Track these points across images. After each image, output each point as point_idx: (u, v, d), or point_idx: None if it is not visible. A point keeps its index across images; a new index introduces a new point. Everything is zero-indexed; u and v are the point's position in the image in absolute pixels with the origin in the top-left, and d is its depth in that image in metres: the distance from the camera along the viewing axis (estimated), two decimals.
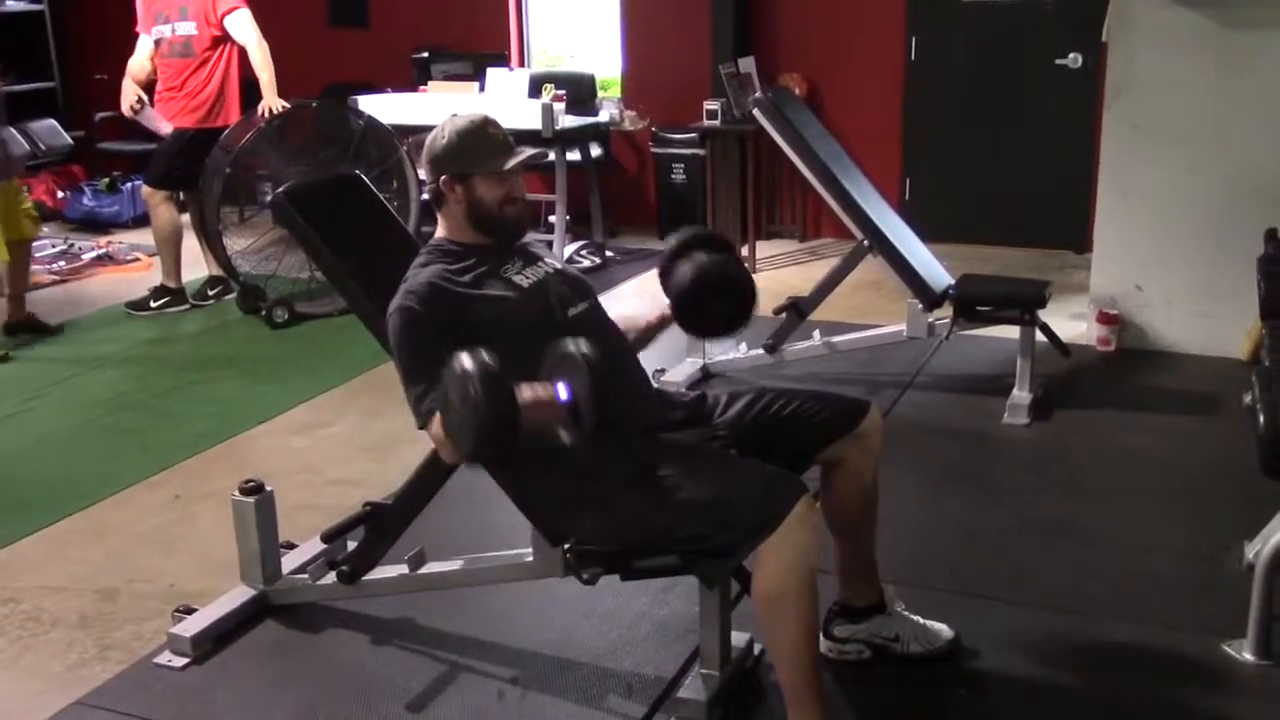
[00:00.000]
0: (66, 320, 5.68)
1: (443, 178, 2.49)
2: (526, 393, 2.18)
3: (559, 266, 2.63)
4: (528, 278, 2.51)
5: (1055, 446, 4.01)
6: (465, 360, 2.13)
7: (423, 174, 2.55)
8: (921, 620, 2.73)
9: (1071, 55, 6.37)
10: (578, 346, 2.20)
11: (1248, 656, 2.69)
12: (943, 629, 2.73)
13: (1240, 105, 4.59)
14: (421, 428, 2.36)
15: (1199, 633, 2.81)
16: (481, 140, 2.49)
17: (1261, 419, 2.63)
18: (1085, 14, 5.96)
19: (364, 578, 2.86)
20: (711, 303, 2.64)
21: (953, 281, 4.43)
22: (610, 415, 2.42)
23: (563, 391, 2.19)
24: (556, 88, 6.54)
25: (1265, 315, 3.39)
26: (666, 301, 2.69)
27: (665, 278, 2.69)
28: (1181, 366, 4.73)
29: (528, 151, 2.55)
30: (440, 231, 2.57)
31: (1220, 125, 4.64)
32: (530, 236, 2.66)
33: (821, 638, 2.65)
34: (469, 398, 2.11)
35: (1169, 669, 2.71)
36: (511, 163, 2.49)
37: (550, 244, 6.15)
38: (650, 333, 2.76)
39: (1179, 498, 3.61)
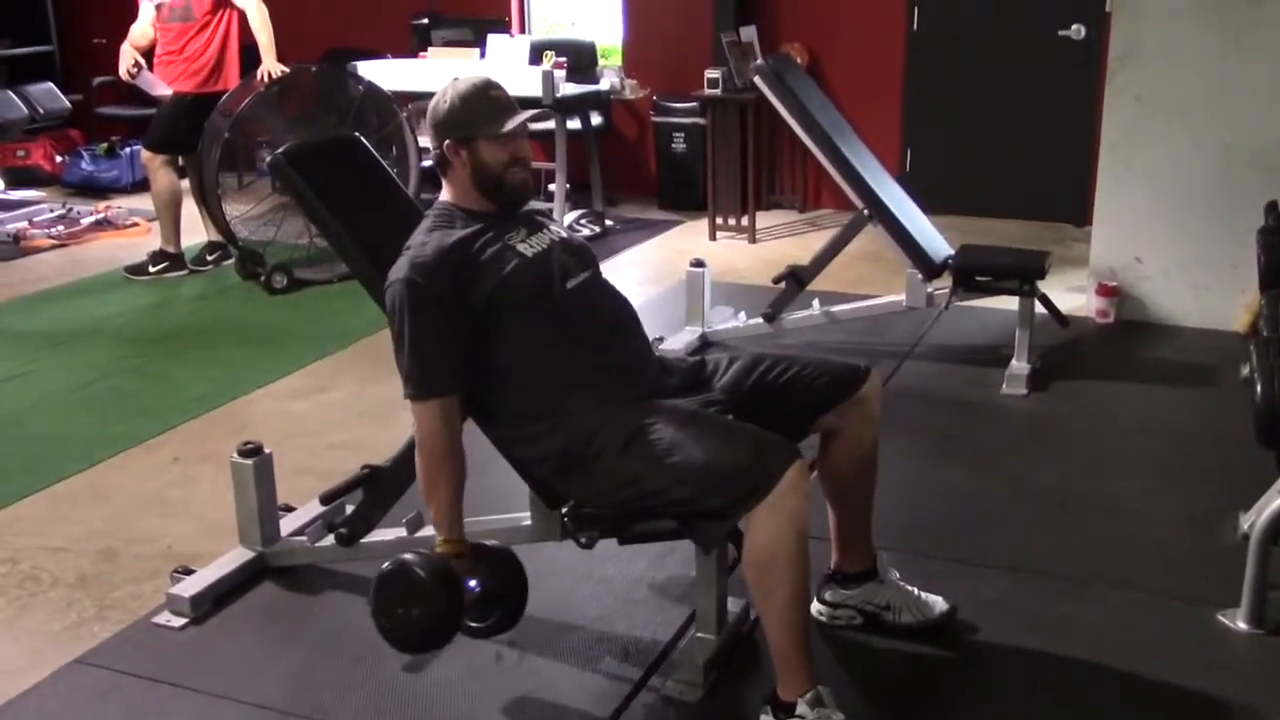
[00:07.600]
0: (64, 285, 5.66)
1: (447, 142, 2.48)
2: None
3: (563, 235, 2.61)
4: (532, 246, 2.49)
5: (1052, 417, 4.02)
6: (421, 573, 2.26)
7: (425, 140, 2.53)
8: (916, 591, 2.72)
9: (1075, 26, 6.33)
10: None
11: (1241, 625, 2.70)
12: (938, 601, 2.71)
13: (1242, 77, 4.57)
14: (408, 398, 2.37)
15: (1193, 602, 2.82)
16: (484, 103, 2.48)
17: (1258, 389, 2.63)
18: None
19: (362, 540, 2.87)
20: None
21: (952, 252, 4.43)
22: (608, 380, 2.44)
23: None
24: (557, 55, 6.51)
25: (1264, 287, 3.40)
26: None
27: None
28: (1179, 339, 4.73)
29: (530, 112, 2.54)
30: (445, 195, 2.55)
31: (1222, 97, 4.62)
32: (531, 204, 2.65)
33: (814, 601, 2.68)
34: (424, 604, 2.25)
35: (1163, 637, 2.71)
36: (513, 123, 2.47)
37: (550, 212, 6.13)
38: None
39: (1175, 468, 3.61)
